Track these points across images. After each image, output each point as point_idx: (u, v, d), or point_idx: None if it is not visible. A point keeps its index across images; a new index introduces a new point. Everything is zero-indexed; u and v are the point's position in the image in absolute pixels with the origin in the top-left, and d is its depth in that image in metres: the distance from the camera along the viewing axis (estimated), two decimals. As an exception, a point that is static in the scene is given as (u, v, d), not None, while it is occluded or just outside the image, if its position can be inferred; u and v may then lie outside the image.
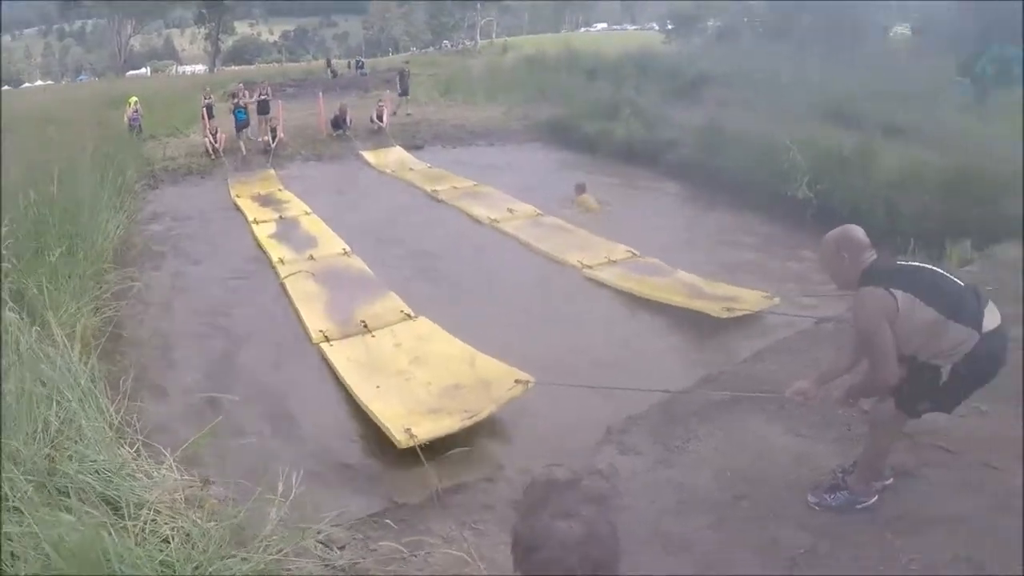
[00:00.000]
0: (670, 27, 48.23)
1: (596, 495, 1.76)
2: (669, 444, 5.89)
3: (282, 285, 11.14)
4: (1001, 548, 4.32)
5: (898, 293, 4.09)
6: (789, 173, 13.75)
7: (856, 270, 4.27)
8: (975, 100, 21.51)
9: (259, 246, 13.27)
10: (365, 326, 9.38)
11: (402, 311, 9.71)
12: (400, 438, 6.60)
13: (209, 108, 22.13)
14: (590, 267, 11.21)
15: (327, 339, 9.13)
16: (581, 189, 15.67)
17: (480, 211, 14.69)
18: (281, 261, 12.07)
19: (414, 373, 8.17)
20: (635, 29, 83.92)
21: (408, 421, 6.92)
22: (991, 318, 4.20)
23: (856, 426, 5.30)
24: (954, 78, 23.59)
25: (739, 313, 9.07)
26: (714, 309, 9.13)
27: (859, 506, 4.81)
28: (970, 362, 4.16)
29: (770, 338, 8.48)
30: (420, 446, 6.31)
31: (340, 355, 8.71)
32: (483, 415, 7.00)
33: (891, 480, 5.01)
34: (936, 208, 11.73)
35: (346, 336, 9.23)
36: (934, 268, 4.39)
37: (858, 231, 4.36)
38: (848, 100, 18.59)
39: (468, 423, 6.86)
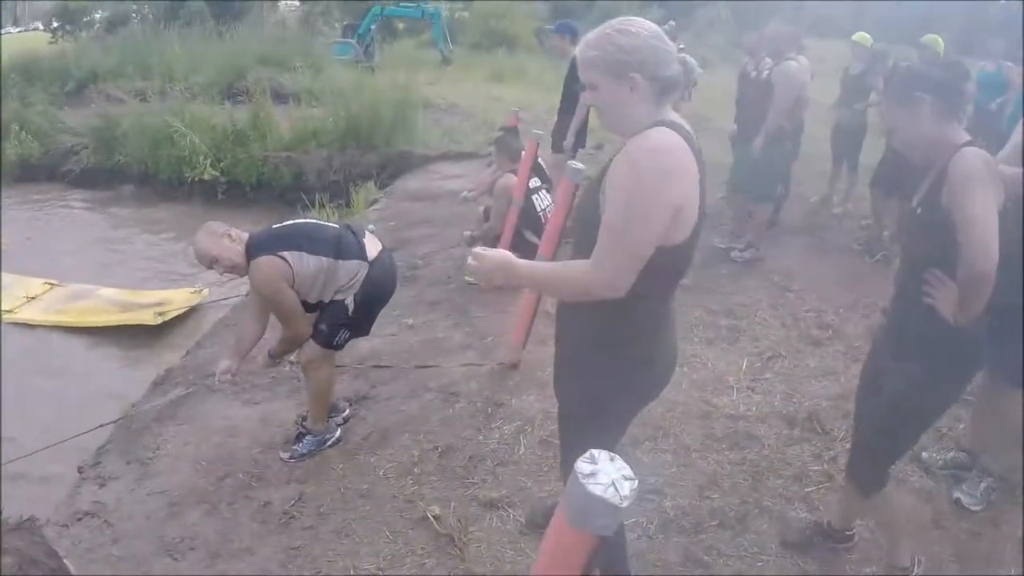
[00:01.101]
0: (55, 25, 45.26)
1: (14, 524, 1.81)
2: (143, 457, 5.75)
3: None
4: (451, 430, 4.97)
5: (285, 254, 4.42)
6: (191, 157, 13.84)
7: (239, 249, 4.53)
8: (363, 57, 23.01)
9: None
10: None
11: None
12: None
13: None
14: (10, 311, 10.03)
15: None
16: None
17: None
18: None
19: None
20: (19, 31, 77.40)
21: None
22: (372, 246, 4.75)
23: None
24: (338, 40, 24.97)
25: (173, 314, 9.03)
26: (146, 318, 8.97)
27: (328, 444, 5.10)
28: (368, 288, 4.66)
29: (208, 323, 8.57)
30: None
31: None
32: None
33: (348, 410, 5.40)
34: (337, 159, 12.51)
35: None
36: (308, 220, 4.86)
37: (216, 222, 4.69)
38: (237, 74, 18.94)
39: None
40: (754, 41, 8.32)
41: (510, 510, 4.19)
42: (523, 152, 7.19)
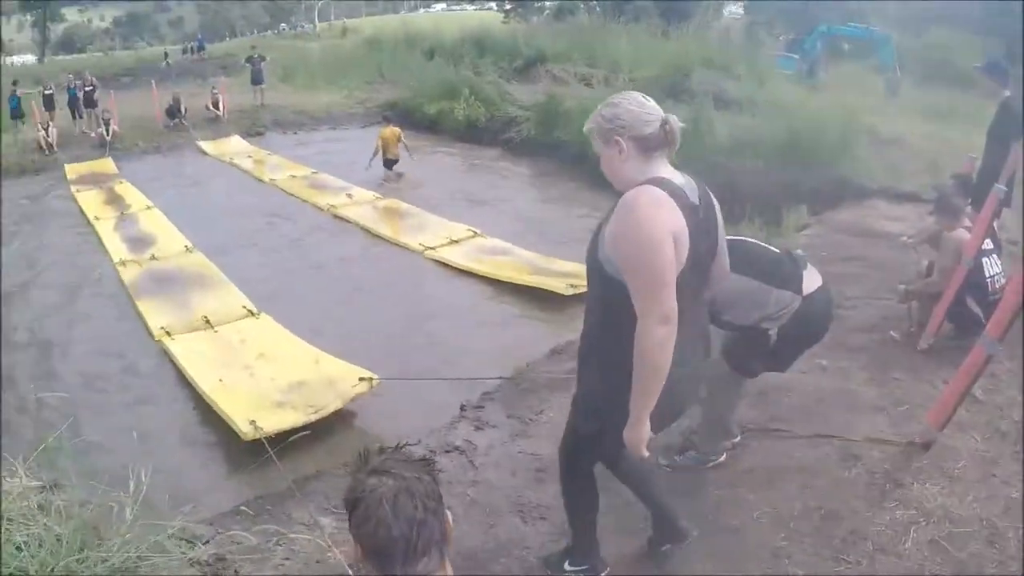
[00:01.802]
0: (508, 7, 48.37)
1: (413, 457, 1.84)
2: (523, 416, 5.94)
3: (123, 284, 10.87)
4: (841, 494, 4.53)
5: None
6: (628, 146, 13.94)
7: None
8: (805, 74, 22.37)
9: (100, 245, 12.93)
10: (207, 322, 9.23)
11: (244, 307, 9.57)
12: (245, 430, 6.57)
13: (46, 99, 21.53)
14: (432, 248, 11.20)
15: (168, 335, 8.94)
16: (388, 121, 16.97)
17: (319, 198, 14.58)
18: (123, 262, 11.73)
19: (258, 368, 8.08)
20: (474, 9, 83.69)
21: (253, 414, 6.85)
22: (811, 280, 4.36)
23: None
24: (781, 53, 24.48)
25: (582, 289, 9.14)
26: (558, 286, 9.26)
27: (710, 464, 4.92)
28: (796, 323, 4.29)
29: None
30: (267, 438, 6.18)
31: (182, 350, 8.56)
32: (329, 410, 7.01)
33: (739, 437, 5.15)
34: (773, 175, 12.11)
35: (188, 331, 9.06)
36: (747, 239, 4.54)
37: None
38: (680, 74, 19.04)
39: (314, 418, 6.83)
40: None
41: (877, 607, 3.73)
42: (967, 209, 6.57)
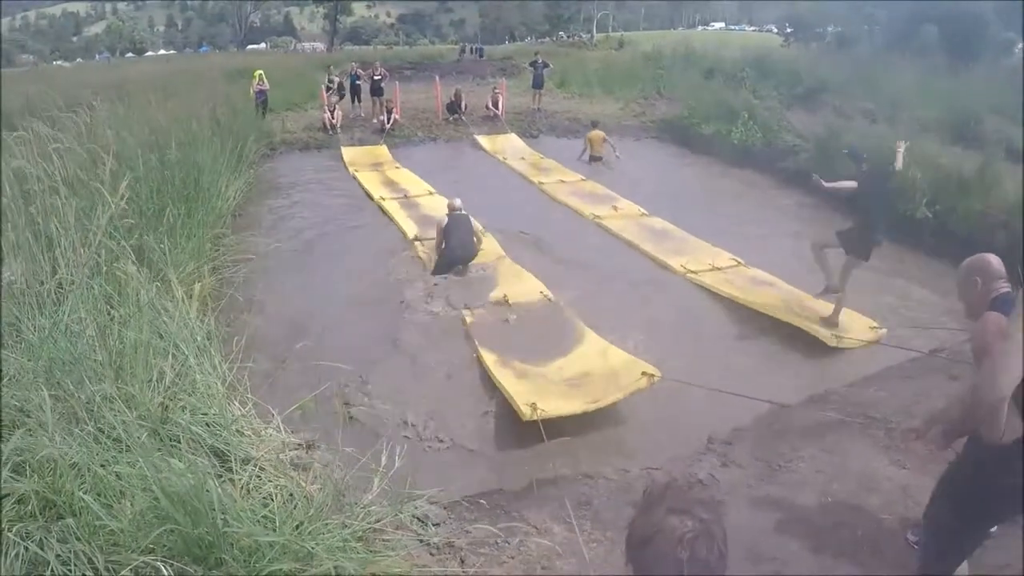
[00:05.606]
0: (789, 30, 47.15)
1: (710, 499, 1.80)
2: (772, 461, 5.79)
3: (419, 260, 11.58)
4: None
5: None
6: (908, 192, 13.20)
7: (986, 298, 4.06)
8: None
9: (394, 223, 13.74)
10: (507, 301, 9.69)
11: (542, 292, 9.94)
12: (525, 411, 6.79)
13: (333, 85, 23.22)
14: (694, 272, 11.08)
15: (470, 313, 9.43)
16: (595, 126, 19.63)
17: (585, 207, 14.72)
18: (417, 239, 12.42)
19: (547, 354, 8.35)
20: (753, 30, 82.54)
21: (535, 397, 7.06)
22: None
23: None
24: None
25: (848, 343, 8.80)
26: (823, 335, 8.87)
27: None
28: None
29: (880, 362, 8.22)
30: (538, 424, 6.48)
31: (480, 329, 9.02)
32: (607, 402, 7.12)
33: (996, 528, 4.79)
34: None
35: (488, 310, 9.54)
36: None
37: (994, 259, 4.16)
38: (970, 117, 18.02)
39: (592, 408, 6.99)
40: None
41: None
42: None
